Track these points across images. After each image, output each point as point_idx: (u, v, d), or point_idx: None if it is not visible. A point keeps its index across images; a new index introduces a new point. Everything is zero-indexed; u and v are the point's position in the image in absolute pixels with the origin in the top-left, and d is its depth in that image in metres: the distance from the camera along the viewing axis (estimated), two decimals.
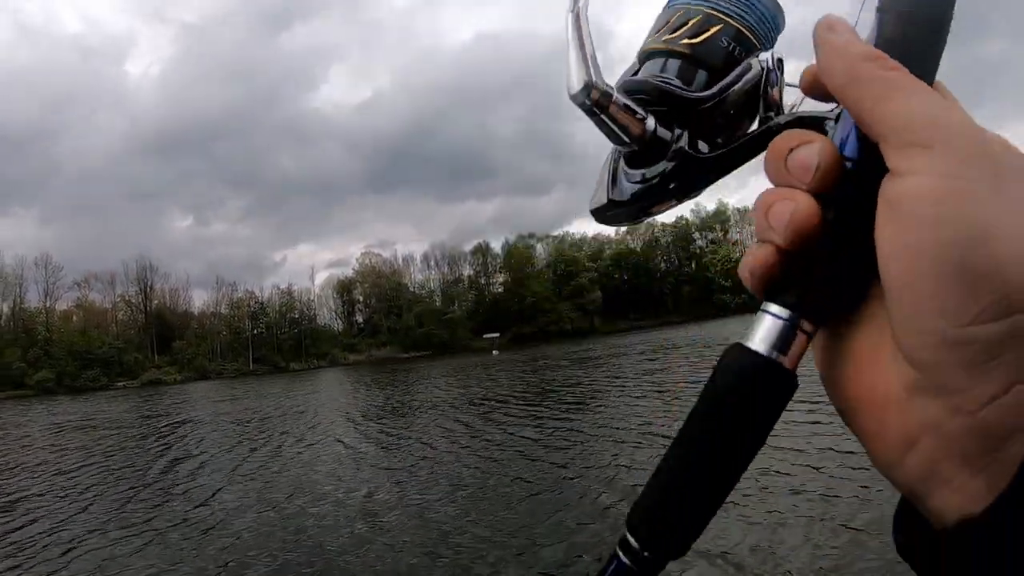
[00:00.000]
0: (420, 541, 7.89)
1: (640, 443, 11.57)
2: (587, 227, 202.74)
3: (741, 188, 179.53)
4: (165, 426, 26.10)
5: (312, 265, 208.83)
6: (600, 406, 17.45)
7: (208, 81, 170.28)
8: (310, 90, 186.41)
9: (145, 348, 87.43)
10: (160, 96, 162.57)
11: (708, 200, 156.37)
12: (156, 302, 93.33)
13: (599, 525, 7.57)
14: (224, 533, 9.11)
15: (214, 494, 11.74)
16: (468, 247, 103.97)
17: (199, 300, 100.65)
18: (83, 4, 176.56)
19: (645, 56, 0.48)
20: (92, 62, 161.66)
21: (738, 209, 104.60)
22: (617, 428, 13.42)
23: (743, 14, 0.44)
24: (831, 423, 9.79)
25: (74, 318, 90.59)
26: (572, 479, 9.83)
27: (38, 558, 8.76)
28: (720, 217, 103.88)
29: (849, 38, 0.37)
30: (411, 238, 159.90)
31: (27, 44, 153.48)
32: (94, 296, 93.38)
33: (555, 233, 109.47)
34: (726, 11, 0.44)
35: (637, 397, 18.10)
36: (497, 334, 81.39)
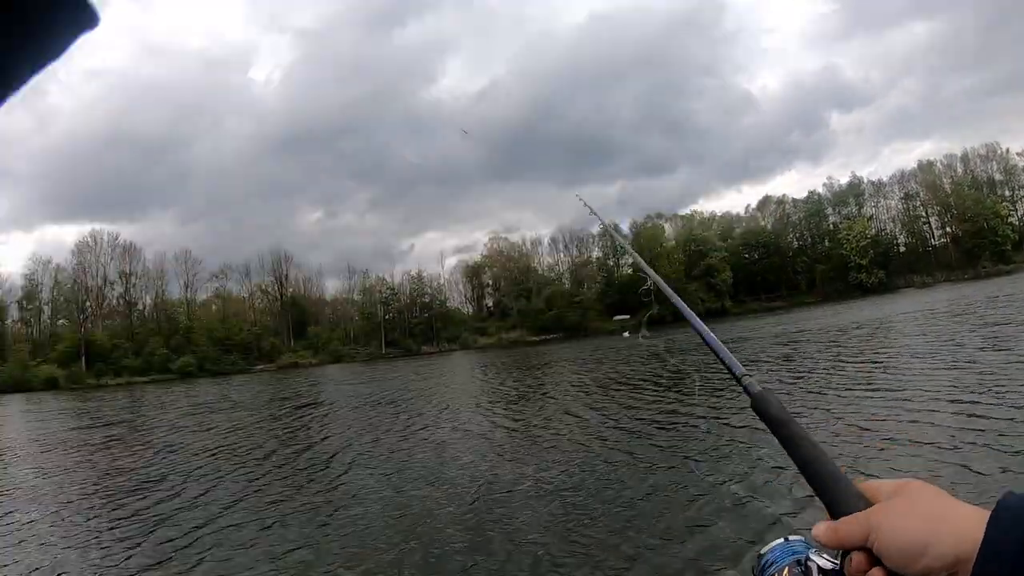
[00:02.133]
0: (540, 534, 7.42)
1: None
2: (715, 205, 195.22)
3: (873, 160, 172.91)
4: (299, 407, 26.36)
5: (441, 251, 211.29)
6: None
7: (329, 82, 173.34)
8: (429, 83, 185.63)
9: (281, 334, 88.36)
10: (284, 99, 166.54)
11: (841, 174, 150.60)
12: (291, 290, 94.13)
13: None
14: (347, 516, 9.00)
15: (340, 476, 11.76)
16: (595, 229, 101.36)
17: (331, 288, 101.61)
18: (205, 20, 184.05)
19: None
20: (218, 72, 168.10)
21: (872, 182, 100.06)
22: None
23: None
24: None
25: (213, 307, 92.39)
26: (707, 476, 8.85)
27: (166, 535, 8.84)
28: (854, 191, 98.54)
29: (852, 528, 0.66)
30: (535, 223, 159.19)
31: (154, 59, 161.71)
32: (231, 286, 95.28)
33: (683, 212, 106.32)
34: None
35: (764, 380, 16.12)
36: (628, 316, 79.25)
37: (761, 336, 34.48)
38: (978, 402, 10.66)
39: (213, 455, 15.34)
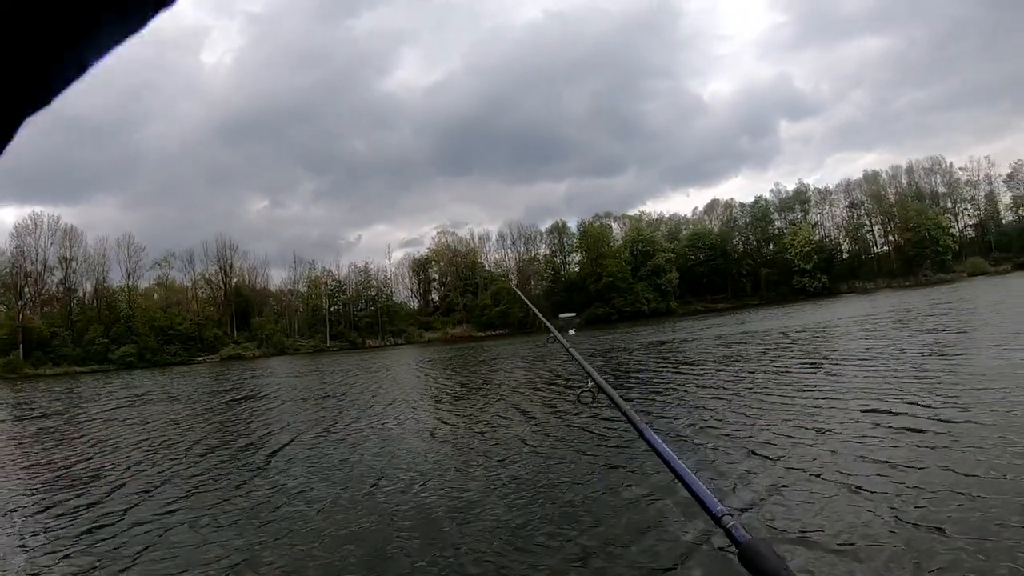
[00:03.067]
0: (482, 534, 7.27)
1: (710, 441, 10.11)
2: (663, 207, 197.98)
3: (819, 168, 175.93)
4: (239, 400, 25.99)
5: (389, 244, 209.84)
6: (675, 395, 15.50)
7: (280, 68, 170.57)
8: (382, 74, 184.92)
9: (224, 324, 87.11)
10: (235, 84, 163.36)
11: (788, 180, 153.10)
12: (235, 280, 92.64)
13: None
14: (284, 514, 8.76)
15: (278, 472, 11.50)
16: (543, 227, 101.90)
17: (277, 278, 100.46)
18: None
19: None
20: (168, 54, 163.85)
21: (818, 189, 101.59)
22: (688, 423, 11.79)
23: None
24: None
25: (155, 296, 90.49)
26: (635, 472, 8.77)
27: (98, 535, 8.46)
28: (800, 198, 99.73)
29: None
30: (483, 219, 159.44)
31: None
32: (174, 275, 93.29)
33: (631, 213, 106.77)
34: None
35: (713, 386, 16.07)
36: (574, 313, 79.23)
37: (705, 337, 34.53)
38: (916, 404, 10.89)
39: (149, 449, 14.96)
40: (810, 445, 9.13)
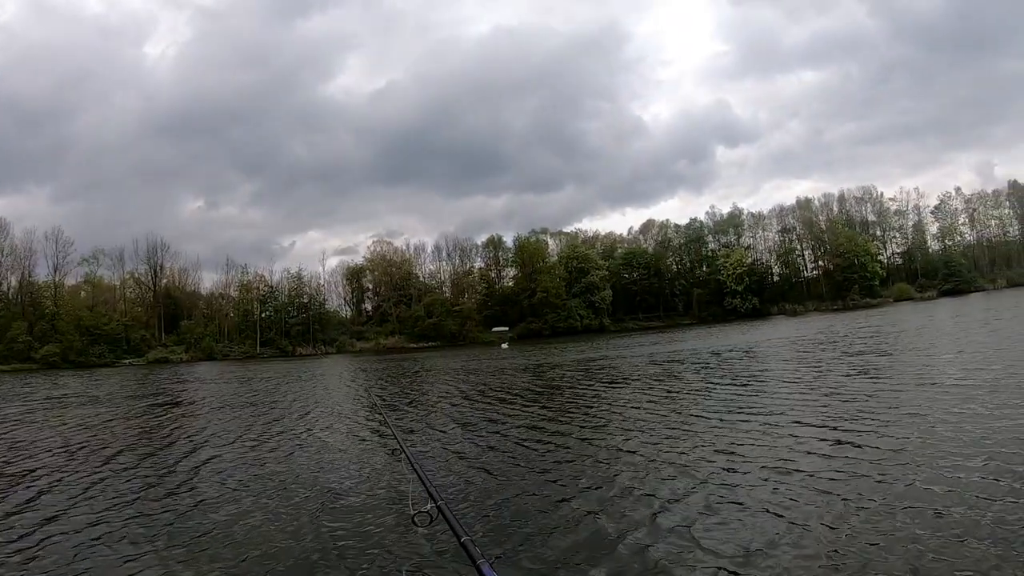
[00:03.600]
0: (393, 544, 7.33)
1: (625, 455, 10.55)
2: (599, 225, 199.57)
3: (753, 193, 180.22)
4: (162, 405, 25.46)
5: (323, 250, 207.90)
6: (600, 409, 16.15)
7: (224, 65, 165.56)
8: (326, 78, 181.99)
9: (152, 327, 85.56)
10: (176, 78, 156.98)
11: (723, 204, 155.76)
12: (165, 281, 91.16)
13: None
14: (198, 524, 8.59)
15: (192, 481, 11.23)
16: (479, 240, 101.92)
17: (208, 281, 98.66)
18: None
19: None
20: (112, 42, 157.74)
21: (752, 214, 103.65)
22: (609, 435, 12.51)
23: None
24: None
25: (82, 293, 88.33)
26: (562, 486, 9.07)
27: (26, 540, 8.11)
28: (733, 221, 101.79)
29: None
30: (420, 230, 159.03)
31: (46, 20, 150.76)
32: (103, 272, 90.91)
33: (567, 230, 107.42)
34: None
35: (635, 402, 16.72)
36: (507, 328, 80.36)
37: (636, 355, 34.96)
38: (839, 427, 11.13)
39: (67, 455, 14.41)
40: (733, 468, 9.17)
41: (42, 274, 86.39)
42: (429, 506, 2.18)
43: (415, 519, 2.23)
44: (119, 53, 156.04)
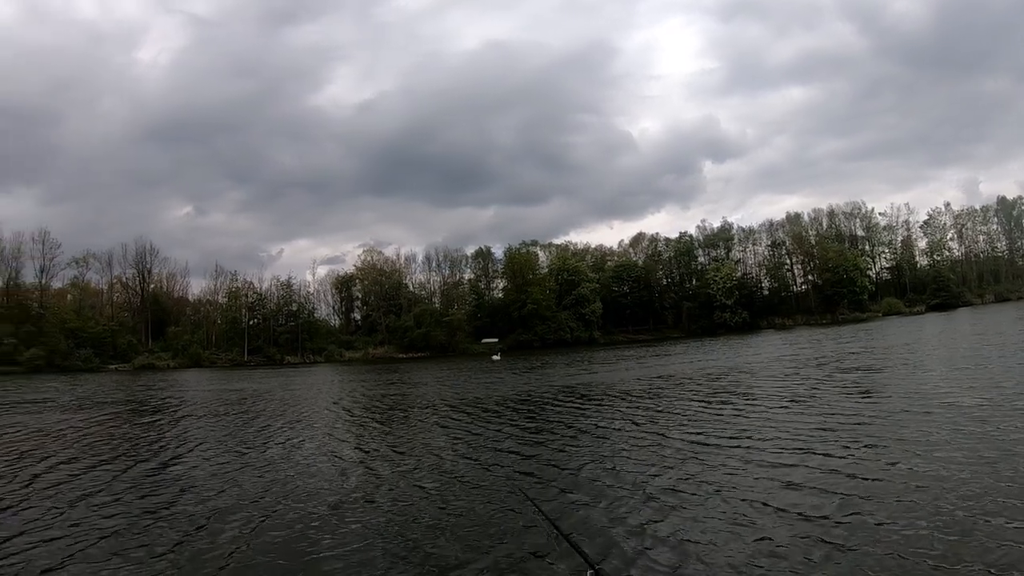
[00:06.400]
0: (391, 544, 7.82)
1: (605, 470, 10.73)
2: (586, 238, 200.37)
3: (740, 208, 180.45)
4: (146, 412, 25.45)
5: (313, 259, 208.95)
6: (589, 423, 16.35)
7: (214, 74, 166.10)
8: (315, 89, 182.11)
9: (139, 332, 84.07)
10: (167, 85, 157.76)
11: (713, 218, 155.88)
12: (153, 286, 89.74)
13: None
14: (199, 524, 8.96)
15: (194, 485, 11.52)
16: (468, 251, 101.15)
17: (196, 288, 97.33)
18: None
19: None
20: (103, 47, 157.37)
21: (742, 228, 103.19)
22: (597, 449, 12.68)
23: None
24: None
25: (69, 297, 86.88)
26: (549, 496, 9.39)
27: (14, 542, 8.37)
28: (724, 236, 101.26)
29: None
30: (407, 240, 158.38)
31: (39, 23, 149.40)
32: (91, 276, 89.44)
33: (557, 242, 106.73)
34: None
35: (620, 416, 16.91)
36: (497, 339, 79.45)
37: (626, 379, 33.08)
38: (832, 445, 11.10)
39: (51, 462, 14.41)
40: (723, 489, 9.08)
41: (29, 276, 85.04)
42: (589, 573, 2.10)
43: None
44: (110, 58, 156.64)
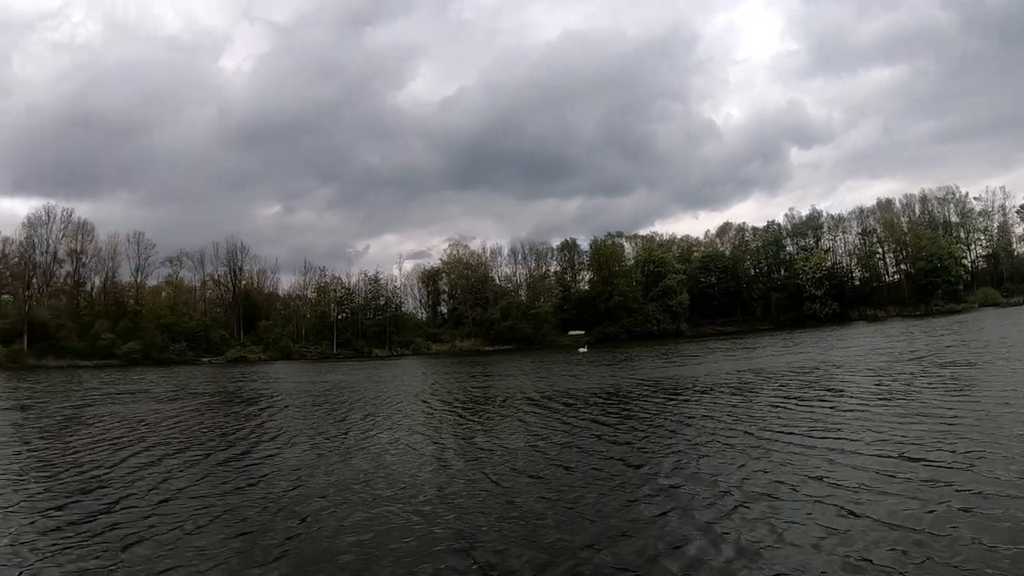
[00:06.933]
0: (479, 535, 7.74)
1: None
2: (671, 228, 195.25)
3: (829, 195, 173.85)
4: (241, 403, 26.18)
5: (400, 254, 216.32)
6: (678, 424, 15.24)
7: (298, 77, 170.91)
8: (397, 87, 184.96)
9: (231, 326, 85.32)
10: (252, 91, 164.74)
11: (801, 206, 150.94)
12: (244, 282, 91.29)
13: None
14: (291, 512, 9.04)
15: (279, 472, 11.82)
16: (554, 243, 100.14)
17: (286, 283, 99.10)
18: (182, 3, 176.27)
19: None
20: (188, 58, 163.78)
21: (832, 216, 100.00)
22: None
23: None
24: None
25: (164, 294, 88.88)
26: (636, 498, 9.02)
27: (112, 530, 8.49)
28: (813, 224, 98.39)
29: None
30: (491, 233, 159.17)
31: (125, 40, 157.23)
32: (184, 274, 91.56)
33: (642, 233, 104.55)
34: None
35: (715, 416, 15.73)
36: (583, 332, 78.15)
37: (714, 373, 31.01)
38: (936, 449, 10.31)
39: (146, 449, 14.72)
40: (814, 493, 8.60)
41: (125, 275, 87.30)
42: None
43: None
44: (196, 68, 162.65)
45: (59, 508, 9.59)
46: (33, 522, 8.96)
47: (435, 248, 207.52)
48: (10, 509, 9.75)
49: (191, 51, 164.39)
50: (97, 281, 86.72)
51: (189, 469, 12.30)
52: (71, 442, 16.12)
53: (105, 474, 12.02)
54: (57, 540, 8.09)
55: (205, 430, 17.98)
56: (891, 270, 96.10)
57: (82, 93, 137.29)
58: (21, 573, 7.17)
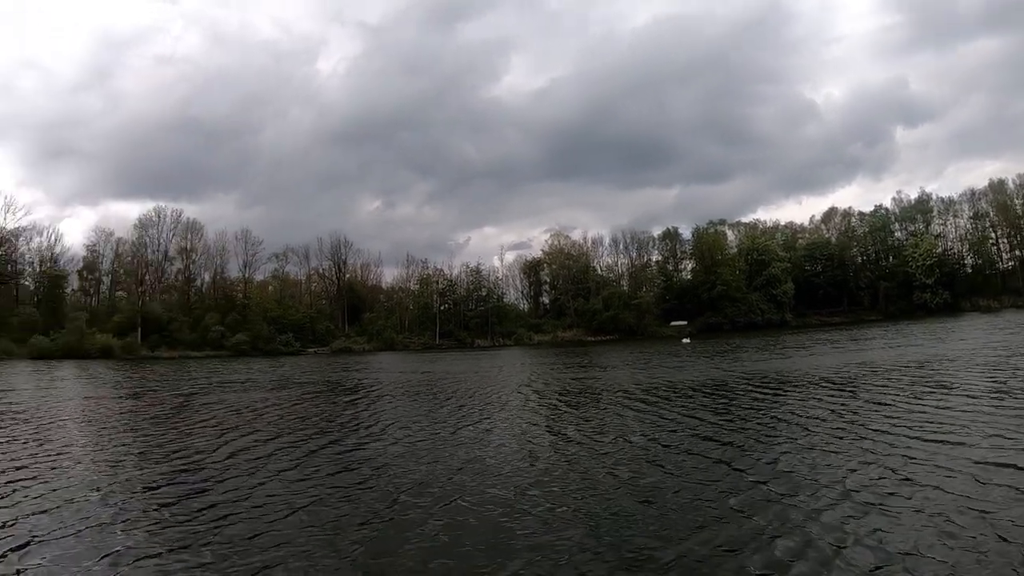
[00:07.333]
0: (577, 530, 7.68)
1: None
2: (774, 215, 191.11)
3: (937, 177, 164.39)
4: (347, 391, 26.65)
5: (502, 245, 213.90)
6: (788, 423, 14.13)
7: (392, 75, 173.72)
8: (491, 80, 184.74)
9: (336, 318, 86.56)
10: (348, 91, 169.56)
11: (909, 188, 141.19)
12: (348, 275, 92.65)
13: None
14: (389, 501, 9.13)
15: (386, 462, 11.85)
16: (655, 232, 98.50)
17: (389, 276, 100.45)
18: (276, 11, 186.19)
19: None
20: (285, 63, 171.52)
21: (942, 199, 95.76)
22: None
23: None
24: None
25: (271, 288, 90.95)
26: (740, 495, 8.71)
27: (211, 511, 8.74)
28: (922, 207, 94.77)
29: None
30: (591, 223, 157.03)
31: (223, 49, 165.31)
32: (290, 269, 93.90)
33: (745, 220, 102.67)
34: None
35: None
36: (685, 322, 76.53)
37: (821, 366, 27.41)
38: None
39: (248, 435, 15.28)
40: (926, 490, 8.36)
41: (233, 271, 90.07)
42: None
43: None
44: (293, 72, 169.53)
45: (162, 487, 10.13)
46: (137, 498, 9.50)
47: (535, 239, 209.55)
48: (118, 485, 10.27)
49: (288, 56, 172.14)
50: (207, 277, 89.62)
51: (288, 454, 12.63)
52: (179, 427, 16.73)
53: (207, 458, 12.45)
54: (158, 517, 8.50)
55: (306, 418, 18.54)
56: (1005, 256, 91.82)
57: (186, 101, 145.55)
58: (124, 543, 7.50)
